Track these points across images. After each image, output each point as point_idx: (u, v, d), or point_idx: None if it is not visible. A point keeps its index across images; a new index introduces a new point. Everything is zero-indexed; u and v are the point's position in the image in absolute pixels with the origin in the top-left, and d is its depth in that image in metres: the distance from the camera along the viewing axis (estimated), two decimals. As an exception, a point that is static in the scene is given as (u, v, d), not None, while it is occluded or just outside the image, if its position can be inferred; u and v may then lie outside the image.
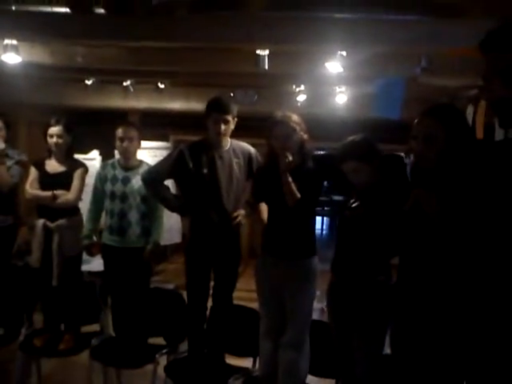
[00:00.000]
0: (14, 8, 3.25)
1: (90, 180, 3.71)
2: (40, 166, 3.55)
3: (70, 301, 3.49)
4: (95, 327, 3.59)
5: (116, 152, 3.75)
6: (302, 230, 2.81)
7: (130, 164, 3.58)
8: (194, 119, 5.66)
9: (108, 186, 3.55)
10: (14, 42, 3.38)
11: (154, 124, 6.68)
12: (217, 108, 3.05)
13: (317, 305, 3.33)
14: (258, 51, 3.30)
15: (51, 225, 3.43)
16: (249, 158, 3.20)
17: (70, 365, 3.76)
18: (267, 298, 2.89)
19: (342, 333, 2.61)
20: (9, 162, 3.70)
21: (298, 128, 2.79)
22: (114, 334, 3.50)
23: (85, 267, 3.96)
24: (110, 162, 3.68)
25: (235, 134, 3.24)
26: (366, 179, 2.51)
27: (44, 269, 3.43)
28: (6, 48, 3.41)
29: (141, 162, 3.63)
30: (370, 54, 3.13)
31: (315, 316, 3.11)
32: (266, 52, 3.28)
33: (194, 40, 3.22)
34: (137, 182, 3.49)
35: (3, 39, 3.37)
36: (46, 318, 3.56)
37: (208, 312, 3.23)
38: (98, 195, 3.60)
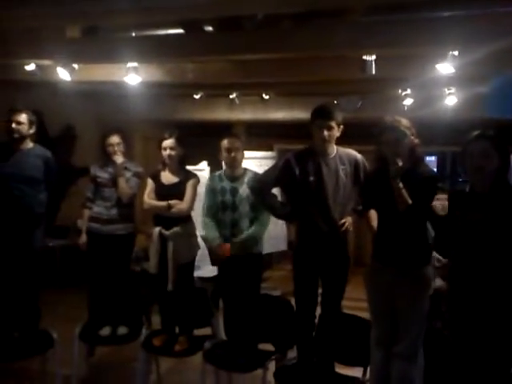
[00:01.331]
0: (134, 34, 3.54)
1: (201, 190, 3.89)
2: (156, 178, 3.78)
3: (184, 305, 3.67)
4: (206, 331, 3.72)
5: (223, 162, 3.89)
6: (415, 237, 2.72)
7: (236, 174, 3.69)
8: (297, 128, 5.70)
9: (218, 198, 3.69)
10: (135, 64, 3.66)
11: (259, 134, 6.83)
12: (320, 114, 3.09)
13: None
14: (364, 57, 3.26)
15: (166, 232, 3.64)
16: (355, 165, 3.18)
17: (184, 366, 3.94)
18: (379, 307, 2.83)
19: (463, 345, 2.49)
20: (127, 174, 3.99)
21: (408, 132, 2.72)
22: (225, 338, 3.61)
23: (196, 273, 4.13)
24: (217, 173, 3.82)
25: (340, 142, 3.23)
26: (490, 169, 2.39)
27: (160, 274, 3.64)
28: (128, 70, 3.70)
29: (245, 170, 3.74)
30: (485, 52, 2.96)
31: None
32: (373, 57, 3.23)
33: (300, 50, 3.26)
34: (244, 191, 3.59)
35: (126, 63, 3.66)
36: (162, 320, 3.77)
37: (317, 320, 3.24)
38: (210, 206, 3.75)
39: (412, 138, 2.74)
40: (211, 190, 3.74)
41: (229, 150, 3.66)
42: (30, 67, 3.87)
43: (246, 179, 3.64)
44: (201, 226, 3.82)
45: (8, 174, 3.84)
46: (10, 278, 3.84)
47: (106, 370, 4.02)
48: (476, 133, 2.46)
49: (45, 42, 3.48)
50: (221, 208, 3.69)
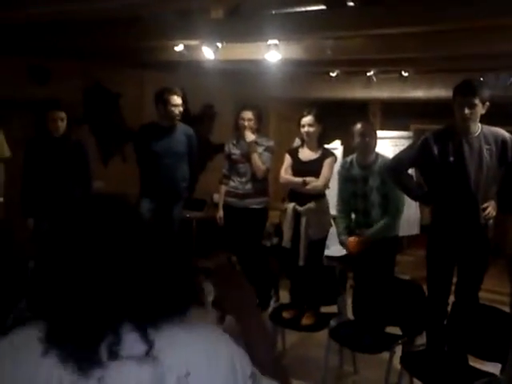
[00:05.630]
0: (274, 12, 3.60)
1: (336, 169, 3.86)
2: (294, 154, 3.85)
3: (314, 281, 3.72)
4: (333, 309, 3.74)
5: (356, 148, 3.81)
6: None
7: (367, 161, 3.60)
8: (436, 107, 5.39)
9: (349, 186, 3.67)
10: (276, 41, 3.72)
11: (395, 113, 6.59)
12: (461, 91, 2.91)
13: None
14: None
15: (300, 208, 3.70)
16: (502, 145, 2.94)
17: (309, 341, 4.01)
18: None
19: None
20: (259, 149, 4.09)
21: None
22: (351, 318, 3.60)
23: (325, 252, 4.14)
24: (349, 160, 3.75)
25: (488, 123, 3.00)
26: None
27: (292, 249, 3.72)
28: (269, 48, 3.78)
29: (377, 156, 3.62)
30: None
31: None
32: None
33: (451, 21, 3.02)
34: (374, 181, 3.53)
35: (267, 40, 3.74)
36: (292, 294, 3.86)
37: (450, 308, 3.10)
38: (342, 193, 3.73)
39: None
40: (342, 178, 3.72)
41: (362, 135, 3.57)
42: (179, 48, 4.12)
43: (376, 167, 3.54)
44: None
45: (158, 151, 4.15)
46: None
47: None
48: None
49: (192, 23, 3.68)
50: (352, 196, 3.68)
